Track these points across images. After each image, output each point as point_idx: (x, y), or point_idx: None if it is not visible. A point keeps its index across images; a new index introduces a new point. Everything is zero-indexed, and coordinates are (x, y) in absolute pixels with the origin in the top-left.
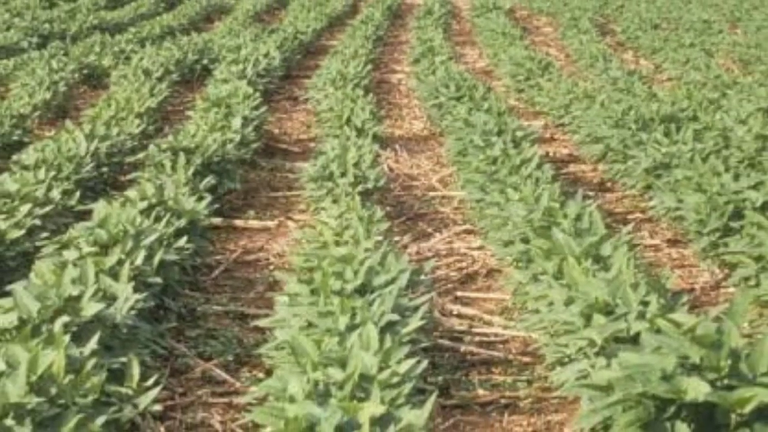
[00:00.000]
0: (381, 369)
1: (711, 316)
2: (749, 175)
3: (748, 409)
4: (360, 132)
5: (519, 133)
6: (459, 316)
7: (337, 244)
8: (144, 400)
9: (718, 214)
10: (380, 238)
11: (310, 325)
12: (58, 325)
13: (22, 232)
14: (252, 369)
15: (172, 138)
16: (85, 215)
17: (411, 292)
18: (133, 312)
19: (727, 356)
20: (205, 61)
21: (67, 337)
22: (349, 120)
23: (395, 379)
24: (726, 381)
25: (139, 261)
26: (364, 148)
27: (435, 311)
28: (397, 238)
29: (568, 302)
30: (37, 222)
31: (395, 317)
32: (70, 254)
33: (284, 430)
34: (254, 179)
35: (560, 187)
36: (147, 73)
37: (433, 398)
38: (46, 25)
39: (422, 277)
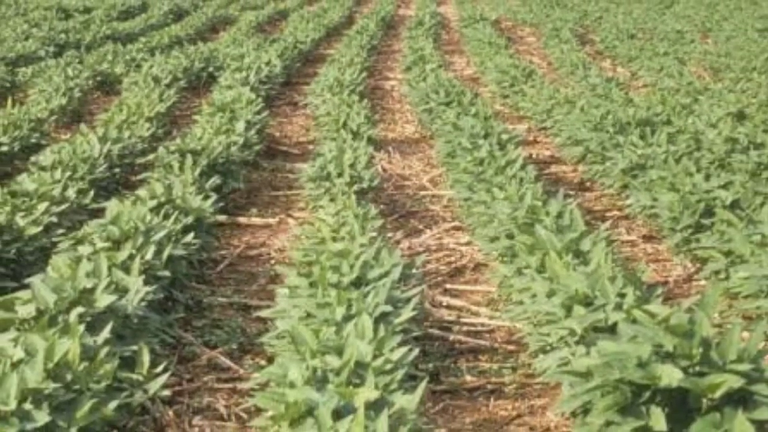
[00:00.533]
0: (375, 357)
1: (684, 308)
2: (719, 175)
3: (718, 394)
4: (355, 135)
5: (504, 136)
6: (448, 307)
7: (334, 239)
8: (154, 386)
9: (690, 211)
10: (374, 234)
11: (308, 315)
12: (73, 316)
13: (40, 228)
14: (255, 357)
15: (179, 141)
16: (99, 213)
17: (403, 285)
18: (143, 303)
19: (698, 345)
20: (210, 69)
21: (81, 327)
22: (345, 124)
23: (388, 366)
24: (698, 368)
25: (149, 256)
26: (359, 150)
27: (425, 303)
28: (390, 234)
29: (550, 294)
30: (54, 219)
31: (388, 308)
32: (84, 249)
33: (285, 413)
34: (257, 179)
35: (543, 186)
36: (156, 80)
37: (423, 384)
38: (62, 35)
39: (413, 270)
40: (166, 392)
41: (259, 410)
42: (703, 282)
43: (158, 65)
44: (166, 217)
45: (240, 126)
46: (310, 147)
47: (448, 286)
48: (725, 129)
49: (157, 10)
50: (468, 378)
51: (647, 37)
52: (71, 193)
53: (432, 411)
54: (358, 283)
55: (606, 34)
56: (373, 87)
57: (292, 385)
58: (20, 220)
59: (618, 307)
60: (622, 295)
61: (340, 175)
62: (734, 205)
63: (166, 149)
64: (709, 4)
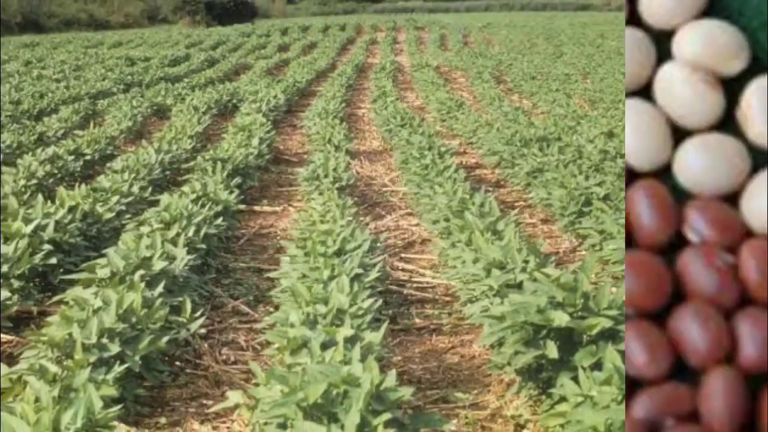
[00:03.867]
0: (351, 305)
1: (570, 271)
2: (595, 176)
3: (594, 332)
4: (337, 148)
5: (442, 149)
6: (403, 270)
7: (322, 222)
8: (194, 326)
9: (574, 202)
10: (350, 218)
11: (304, 276)
12: (137, 276)
13: (113, 214)
14: (266, 306)
15: (212, 152)
16: (155, 203)
17: (371, 254)
18: (186, 267)
19: (580, 297)
20: (234, 101)
21: (142, 284)
22: (329, 140)
23: (360, 312)
24: (580, 313)
25: (190, 233)
26: (339, 158)
27: (387, 267)
28: (361, 218)
29: (475, 261)
30: (123, 208)
31: (360, 271)
32: (144, 229)
33: (287, 345)
34: (267, 179)
35: (470, 184)
36: (196, 109)
37: (385, 325)
38: (129, 77)
39: (378, 244)
40: (203, 330)
41: (268, 343)
42: (583, 252)
43: (197, 98)
44: (203, 206)
45: (255, 141)
46: (305, 156)
47: (402, 255)
48: (599, 144)
49: (196, 59)
50: (417, 321)
51: (544, 78)
52: (135, 189)
53: (391, 344)
54: (339, 253)
55: (515, 76)
56: (349, 114)
57: (292, 326)
58: (99, 208)
59: (523, 270)
60: (526, 262)
61: (326, 176)
62: (606, 198)
63: (202, 158)
64: (588, 55)
